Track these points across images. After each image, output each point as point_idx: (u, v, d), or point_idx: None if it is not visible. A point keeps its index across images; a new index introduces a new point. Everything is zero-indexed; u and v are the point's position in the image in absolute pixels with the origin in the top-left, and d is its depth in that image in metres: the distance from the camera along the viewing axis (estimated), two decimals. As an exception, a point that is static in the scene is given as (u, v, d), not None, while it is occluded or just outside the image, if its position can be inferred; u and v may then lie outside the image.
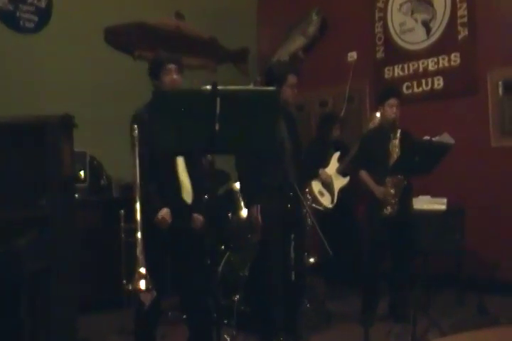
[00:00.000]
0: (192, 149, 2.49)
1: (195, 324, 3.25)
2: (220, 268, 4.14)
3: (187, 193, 3.21)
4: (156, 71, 3.20)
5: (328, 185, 5.28)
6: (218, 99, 2.21)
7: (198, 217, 3.27)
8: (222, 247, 4.33)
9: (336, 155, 5.36)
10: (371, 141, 4.47)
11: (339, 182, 5.28)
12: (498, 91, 5.19)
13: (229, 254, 4.24)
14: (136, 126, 2.87)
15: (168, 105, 2.25)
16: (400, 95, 4.53)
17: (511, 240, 5.00)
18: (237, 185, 4.42)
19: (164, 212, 3.07)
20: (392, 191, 4.18)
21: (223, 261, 4.19)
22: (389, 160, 4.18)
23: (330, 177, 5.28)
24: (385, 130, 4.35)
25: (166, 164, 3.14)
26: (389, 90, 4.64)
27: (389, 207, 4.17)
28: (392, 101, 4.35)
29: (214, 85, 2.19)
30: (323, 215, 5.06)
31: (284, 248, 3.58)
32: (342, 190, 5.28)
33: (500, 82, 5.17)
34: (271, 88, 2.54)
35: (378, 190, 4.25)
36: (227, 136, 2.29)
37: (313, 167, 5.25)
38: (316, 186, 5.28)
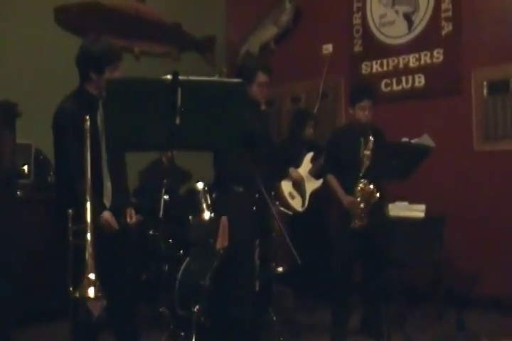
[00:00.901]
0: (149, 145, 2.48)
1: (118, 333, 3.19)
2: (178, 276, 4.12)
3: (107, 197, 3.08)
4: (102, 64, 3.03)
5: (299, 187, 5.29)
6: (179, 90, 2.22)
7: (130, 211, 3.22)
8: (181, 252, 4.32)
9: (309, 155, 5.37)
10: (339, 143, 4.47)
11: (311, 185, 5.27)
12: (483, 91, 5.24)
13: (189, 261, 4.22)
14: (87, 116, 2.82)
15: (121, 95, 2.24)
16: (373, 96, 4.49)
17: (494, 251, 5.07)
18: (200, 185, 4.43)
19: (106, 216, 2.97)
20: (362, 205, 4.16)
21: (182, 268, 4.18)
22: (360, 167, 4.18)
23: (301, 177, 5.29)
24: (355, 133, 4.37)
25: (97, 162, 3.01)
26: (361, 91, 4.56)
27: (357, 221, 4.17)
28: (365, 103, 4.31)
29: (175, 74, 2.19)
30: (292, 220, 5.11)
31: (251, 255, 3.61)
32: (314, 194, 5.26)
33: (485, 82, 5.22)
34: (237, 80, 2.55)
35: (346, 200, 4.24)
36: (189, 130, 2.31)
37: (284, 167, 5.27)
38: (287, 187, 5.27)
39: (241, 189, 3.68)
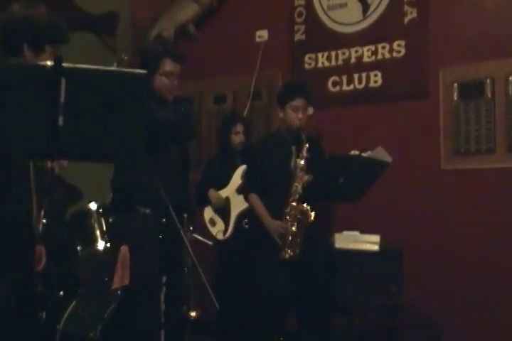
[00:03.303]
0: (21, 153, 2.45)
1: None
2: (60, 326, 4.04)
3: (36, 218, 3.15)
4: (45, 40, 3.08)
5: (222, 210, 5.32)
6: (63, 81, 2.20)
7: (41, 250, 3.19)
8: (61, 293, 4.25)
9: (240, 169, 5.39)
10: (263, 155, 4.57)
11: (239, 205, 5.28)
12: (453, 95, 5.31)
13: (75, 306, 4.15)
14: None
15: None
16: (307, 94, 4.57)
17: (465, 293, 5.12)
18: (93, 206, 4.38)
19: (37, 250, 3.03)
20: (294, 228, 4.24)
21: (66, 314, 4.10)
22: (291, 183, 4.27)
23: (220, 199, 5.35)
24: (285, 141, 4.43)
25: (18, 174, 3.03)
26: (292, 87, 4.71)
27: (289, 250, 4.23)
28: (297, 102, 4.42)
29: (58, 60, 2.15)
30: (213, 251, 5.14)
31: (156, 297, 3.59)
32: (243, 215, 5.29)
33: (455, 84, 5.29)
34: (140, 71, 2.55)
35: (273, 225, 4.32)
36: (75, 134, 2.30)
37: (209, 186, 5.29)
38: (208, 212, 5.31)
39: (147, 210, 3.69)
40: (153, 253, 3.63)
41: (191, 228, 4.47)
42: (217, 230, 5.29)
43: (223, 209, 5.34)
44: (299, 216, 4.19)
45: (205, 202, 5.42)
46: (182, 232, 3.35)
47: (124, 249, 3.67)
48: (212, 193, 5.38)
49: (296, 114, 4.39)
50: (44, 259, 3.19)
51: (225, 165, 5.50)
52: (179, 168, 3.83)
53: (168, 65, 3.70)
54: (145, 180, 3.49)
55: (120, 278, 3.79)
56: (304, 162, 4.26)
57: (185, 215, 3.66)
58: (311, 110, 4.57)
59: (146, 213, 3.69)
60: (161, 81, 3.68)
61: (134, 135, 2.43)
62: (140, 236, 3.68)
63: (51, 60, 2.74)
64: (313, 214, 4.16)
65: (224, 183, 5.41)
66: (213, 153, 5.90)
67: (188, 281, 3.93)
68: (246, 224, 5.22)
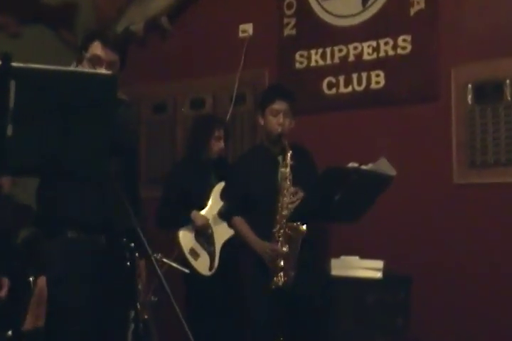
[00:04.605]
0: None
1: None
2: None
3: None
4: None
5: (205, 238, 5.26)
6: (13, 84, 2.19)
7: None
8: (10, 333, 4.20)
9: (219, 187, 5.31)
10: (246, 171, 4.58)
11: (224, 233, 5.19)
12: (467, 98, 5.30)
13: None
14: None
15: None
16: (290, 96, 4.59)
17: (483, 328, 5.05)
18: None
19: None
20: (285, 249, 4.23)
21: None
22: (278, 200, 4.28)
23: (207, 224, 5.27)
24: (268, 152, 4.43)
25: None
26: (272, 90, 4.75)
27: (280, 276, 4.20)
28: (277, 105, 4.45)
29: (6, 59, 2.14)
30: (190, 278, 5.07)
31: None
32: (229, 244, 5.23)
33: (469, 85, 5.28)
34: (106, 72, 2.61)
35: (261, 247, 4.32)
36: (27, 145, 2.28)
37: (183, 205, 5.23)
38: (187, 241, 5.21)
39: (77, 234, 3.54)
40: (85, 286, 3.47)
41: (158, 254, 4.43)
42: (202, 264, 5.19)
43: (206, 237, 5.27)
44: (289, 232, 4.20)
45: (174, 224, 5.32)
46: (154, 258, 3.28)
47: (42, 281, 3.56)
48: (197, 215, 5.27)
49: (277, 118, 4.41)
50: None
51: (198, 178, 5.40)
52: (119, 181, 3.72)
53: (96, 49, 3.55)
54: (76, 192, 3.43)
55: (34, 318, 3.71)
56: (289, 170, 4.28)
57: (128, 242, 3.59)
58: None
59: (74, 237, 3.56)
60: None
61: (97, 147, 2.43)
62: (64, 265, 3.51)
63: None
64: (304, 227, 4.17)
65: (197, 202, 5.33)
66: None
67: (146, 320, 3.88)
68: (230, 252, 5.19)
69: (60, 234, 3.55)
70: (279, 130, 4.41)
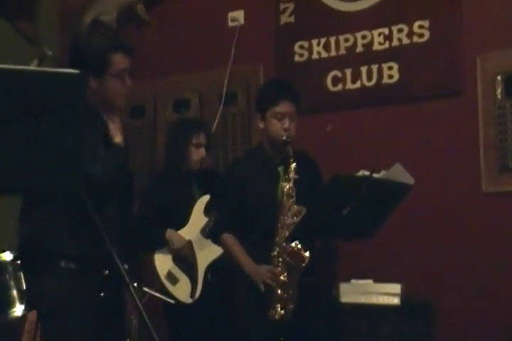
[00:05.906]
0: None
1: None
2: None
3: None
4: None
5: (185, 262, 5.23)
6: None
7: None
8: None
9: (202, 201, 5.34)
10: (240, 181, 4.58)
11: (208, 254, 5.27)
12: (496, 91, 5.31)
13: None
14: None
15: None
16: (297, 96, 4.58)
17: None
18: (8, 257, 4.32)
19: None
20: (283, 277, 4.18)
21: None
22: (277, 216, 4.28)
23: (186, 245, 5.26)
24: (269, 160, 4.40)
25: None
26: (274, 87, 4.74)
27: (278, 307, 4.18)
28: (283, 107, 4.44)
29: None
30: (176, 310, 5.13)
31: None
32: (215, 267, 5.26)
33: (499, 77, 5.29)
34: (72, 70, 2.56)
35: (256, 272, 4.32)
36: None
37: (161, 224, 5.22)
38: (163, 264, 5.21)
39: (72, 265, 3.61)
40: (82, 321, 3.54)
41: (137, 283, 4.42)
42: (181, 290, 5.19)
43: (186, 259, 5.25)
44: (288, 259, 4.18)
45: (149, 246, 5.32)
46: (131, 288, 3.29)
47: (32, 316, 3.59)
48: (173, 235, 5.27)
49: (282, 123, 4.37)
50: None
51: (177, 193, 5.45)
52: (116, 202, 3.73)
53: (121, 62, 3.66)
54: (73, 222, 3.48)
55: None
56: (292, 186, 4.25)
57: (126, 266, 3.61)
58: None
59: (71, 268, 3.63)
60: (114, 84, 3.64)
61: (65, 159, 2.44)
62: (58, 298, 3.58)
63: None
64: (307, 254, 4.13)
65: (177, 219, 5.35)
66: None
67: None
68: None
69: (51, 265, 3.62)
70: (285, 137, 4.36)
